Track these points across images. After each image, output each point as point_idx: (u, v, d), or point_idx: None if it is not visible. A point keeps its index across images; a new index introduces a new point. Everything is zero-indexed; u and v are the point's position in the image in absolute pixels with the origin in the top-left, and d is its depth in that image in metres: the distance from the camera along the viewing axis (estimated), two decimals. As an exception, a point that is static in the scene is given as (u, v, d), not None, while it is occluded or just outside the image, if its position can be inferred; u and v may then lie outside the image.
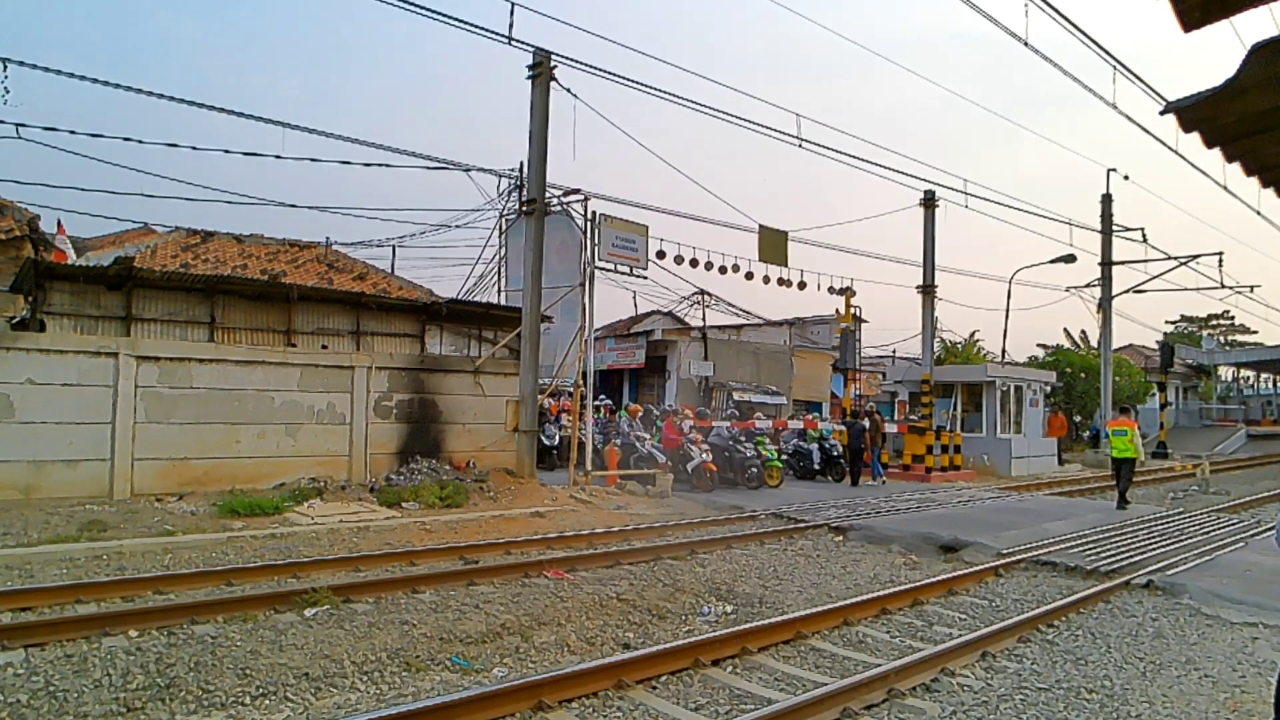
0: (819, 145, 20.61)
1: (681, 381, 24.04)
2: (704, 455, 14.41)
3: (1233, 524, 11.56)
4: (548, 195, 13.34)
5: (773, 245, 16.05)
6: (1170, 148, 14.72)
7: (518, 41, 11.36)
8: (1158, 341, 36.67)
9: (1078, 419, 32.33)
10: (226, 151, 19.94)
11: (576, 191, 13.55)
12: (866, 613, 6.42)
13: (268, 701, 4.33)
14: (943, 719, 4.38)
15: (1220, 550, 9.28)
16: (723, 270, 15.87)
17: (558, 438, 16.47)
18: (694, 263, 15.42)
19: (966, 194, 18.35)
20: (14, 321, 11.14)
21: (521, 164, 15.67)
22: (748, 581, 7.46)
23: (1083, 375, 30.62)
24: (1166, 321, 58.45)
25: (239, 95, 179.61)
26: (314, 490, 10.96)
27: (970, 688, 4.83)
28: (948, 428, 19.77)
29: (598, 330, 17.43)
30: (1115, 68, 11.73)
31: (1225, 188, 16.50)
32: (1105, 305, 25.75)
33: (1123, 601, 7.08)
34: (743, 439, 15.49)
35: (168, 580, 6.58)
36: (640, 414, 16.31)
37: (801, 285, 17.10)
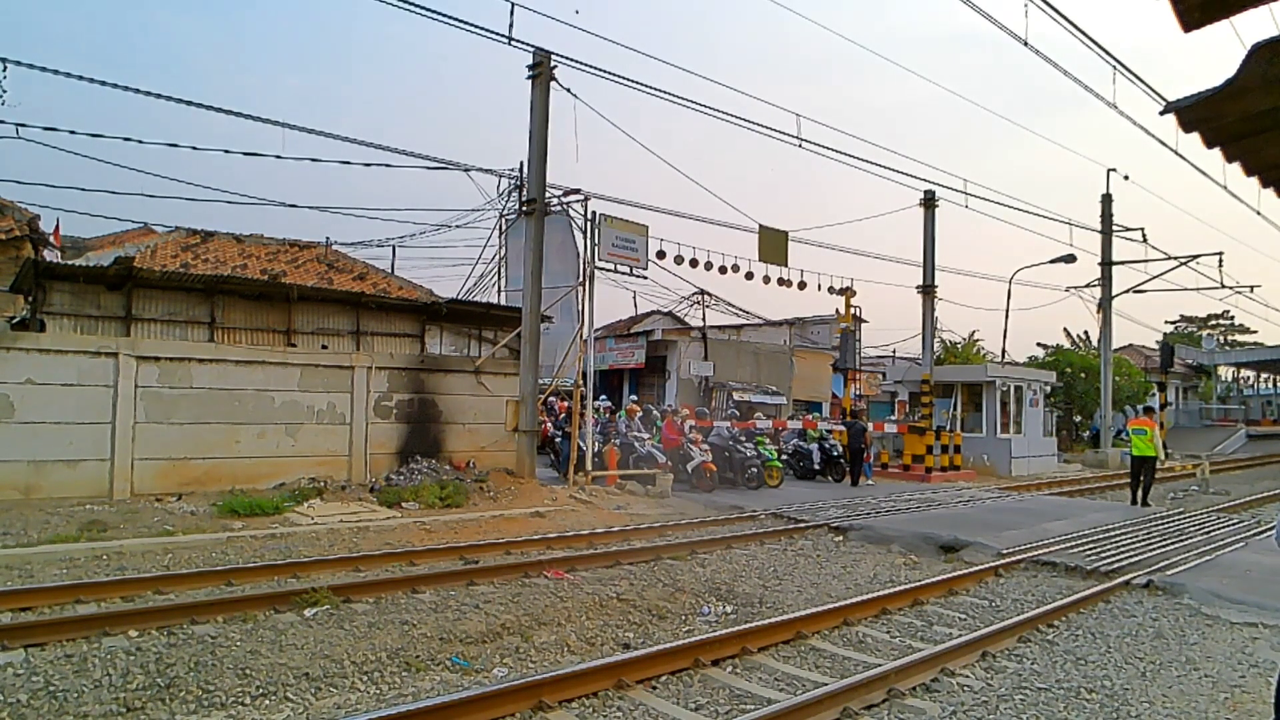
0: (819, 145, 20.65)
1: (681, 381, 24.04)
2: (704, 455, 14.40)
3: (1233, 524, 11.55)
4: (548, 195, 13.33)
5: (773, 245, 16.04)
6: (1170, 148, 14.78)
7: (518, 41, 11.38)
8: (1158, 341, 36.68)
9: (1078, 419, 32.37)
10: (226, 151, 19.93)
11: (576, 191, 13.55)
12: (866, 613, 6.42)
13: (268, 701, 4.33)
14: (943, 719, 4.38)
15: (1220, 550, 9.27)
16: (723, 270, 15.86)
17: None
18: (694, 263, 15.41)
19: (966, 194, 18.38)
20: (14, 321, 11.14)
21: (521, 164, 15.67)
22: (748, 581, 7.46)
23: (1083, 375, 30.66)
24: (1166, 321, 58.55)
25: (239, 95, 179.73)
26: (314, 490, 10.96)
27: (970, 688, 4.82)
28: (948, 428, 19.76)
29: (598, 330, 17.42)
30: (1115, 68, 11.75)
31: (1225, 188, 16.57)
32: (1105, 305, 25.77)
33: (1123, 601, 7.08)
34: (743, 439, 15.48)
35: (168, 580, 6.58)
36: (640, 414, 16.31)
37: (801, 285, 17.09)
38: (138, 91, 12.05)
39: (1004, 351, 26.42)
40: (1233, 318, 55.53)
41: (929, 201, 19.06)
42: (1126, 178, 28.13)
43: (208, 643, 5.08)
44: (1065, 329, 48.98)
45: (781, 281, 16.61)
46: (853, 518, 11.27)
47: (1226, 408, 45.31)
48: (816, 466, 16.98)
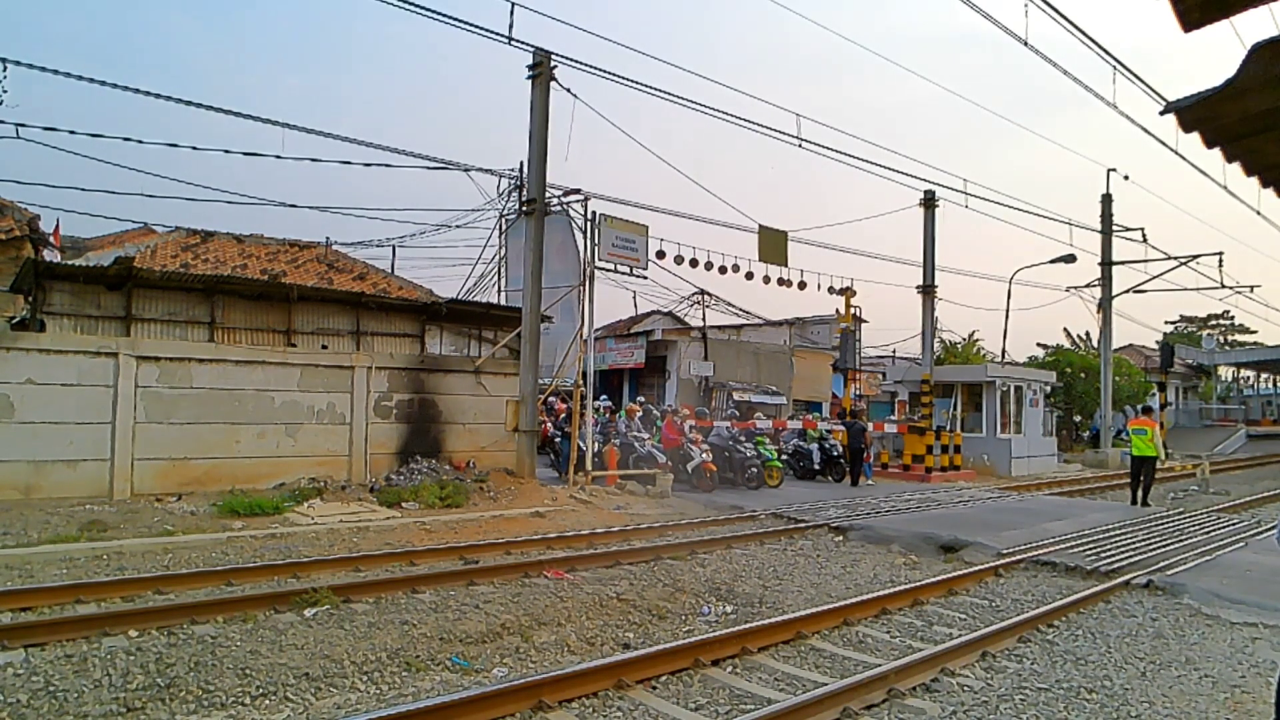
0: (819, 145, 20.66)
1: (681, 381, 24.04)
2: (704, 455, 14.40)
3: (1233, 524, 11.55)
4: (548, 195, 13.33)
5: (773, 245, 16.04)
6: (1170, 148, 14.77)
7: (518, 41, 11.37)
8: (1158, 341, 36.67)
9: (1078, 419, 32.38)
10: (226, 151, 19.95)
11: (576, 191, 13.55)
12: (866, 613, 6.42)
13: (268, 701, 4.33)
14: (943, 719, 4.38)
15: (1220, 550, 9.27)
16: (723, 270, 15.86)
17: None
18: (694, 263, 15.42)
19: (966, 194, 18.38)
20: (14, 321, 11.12)
21: (521, 164, 15.68)
22: (748, 581, 7.46)
23: (1083, 375, 30.67)
24: (1166, 321, 58.53)
25: (239, 95, 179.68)
26: (314, 490, 10.96)
27: (970, 688, 4.82)
28: (948, 428, 19.76)
29: (598, 330, 17.42)
30: (1115, 68, 11.75)
31: (1225, 188, 16.56)
32: (1105, 305, 25.77)
33: (1123, 601, 7.08)
34: (743, 439, 15.48)
35: (168, 580, 6.58)
36: (640, 414, 16.31)
37: (801, 285, 17.09)
38: (138, 91, 12.08)
39: (1004, 351, 26.41)
40: (1233, 318, 55.59)
41: (929, 201, 19.06)
42: (1126, 178, 28.17)
43: (208, 643, 5.08)
44: (1065, 329, 49.05)
45: (781, 281, 16.61)
46: (853, 518, 11.27)
47: (1226, 408, 45.30)
48: (816, 466, 16.98)
